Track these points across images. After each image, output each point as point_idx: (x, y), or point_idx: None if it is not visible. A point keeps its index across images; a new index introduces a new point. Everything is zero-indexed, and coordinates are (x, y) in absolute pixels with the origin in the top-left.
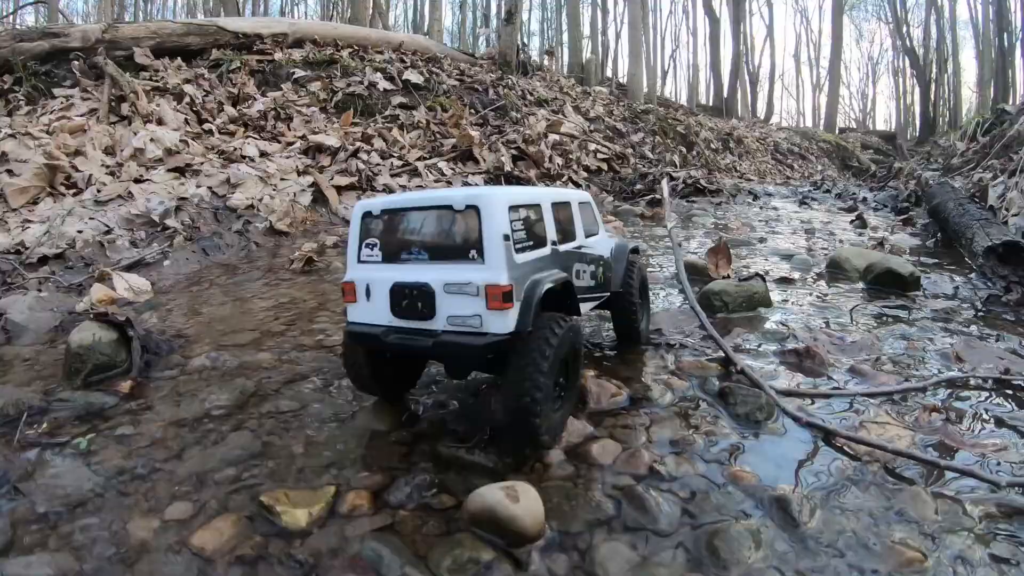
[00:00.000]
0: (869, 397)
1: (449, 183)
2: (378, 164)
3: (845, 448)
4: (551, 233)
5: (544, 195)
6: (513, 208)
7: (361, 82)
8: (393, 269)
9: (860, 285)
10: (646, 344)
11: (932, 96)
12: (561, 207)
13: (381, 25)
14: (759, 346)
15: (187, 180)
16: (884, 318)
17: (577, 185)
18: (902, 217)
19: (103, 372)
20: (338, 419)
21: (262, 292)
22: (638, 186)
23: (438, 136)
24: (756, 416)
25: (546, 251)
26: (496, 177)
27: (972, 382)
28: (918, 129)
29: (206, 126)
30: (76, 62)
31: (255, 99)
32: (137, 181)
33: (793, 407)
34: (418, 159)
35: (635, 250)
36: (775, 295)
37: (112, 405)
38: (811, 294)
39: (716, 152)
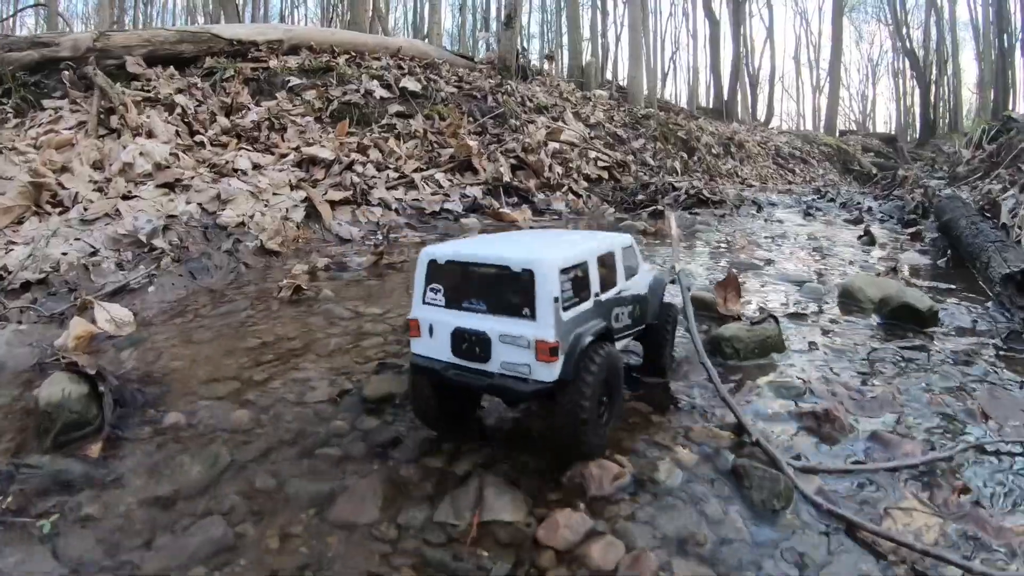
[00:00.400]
0: (893, 471)
1: (447, 195)
2: (374, 176)
3: (869, 542)
4: (594, 286)
5: (591, 251)
6: (564, 271)
7: (357, 90)
8: (455, 314)
9: (875, 319)
10: (669, 370)
11: (932, 98)
12: (605, 258)
13: (380, 30)
14: (774, 406)
15: (177, 196)
16: (903, 363)
17: (577, 196)
18: (910, 231)
19: (74, 431)
20: (316, 504)
21: (247, 325)
22: (639, 196)
23: (436, 146)
24: (773, 504)
25: (589, 304)
26: (495, 188)
27: (1003, 448)
28: (918, 131)
29: (198, 138)
30: (66, 72)
31: (249, 109)
32: (125, 198)
33: (813, 488)
34: (415, 170)
35: (674, 280)
36: (787, 332)
37: (80, 475)
38: (825, 332)
39: (717, 157)
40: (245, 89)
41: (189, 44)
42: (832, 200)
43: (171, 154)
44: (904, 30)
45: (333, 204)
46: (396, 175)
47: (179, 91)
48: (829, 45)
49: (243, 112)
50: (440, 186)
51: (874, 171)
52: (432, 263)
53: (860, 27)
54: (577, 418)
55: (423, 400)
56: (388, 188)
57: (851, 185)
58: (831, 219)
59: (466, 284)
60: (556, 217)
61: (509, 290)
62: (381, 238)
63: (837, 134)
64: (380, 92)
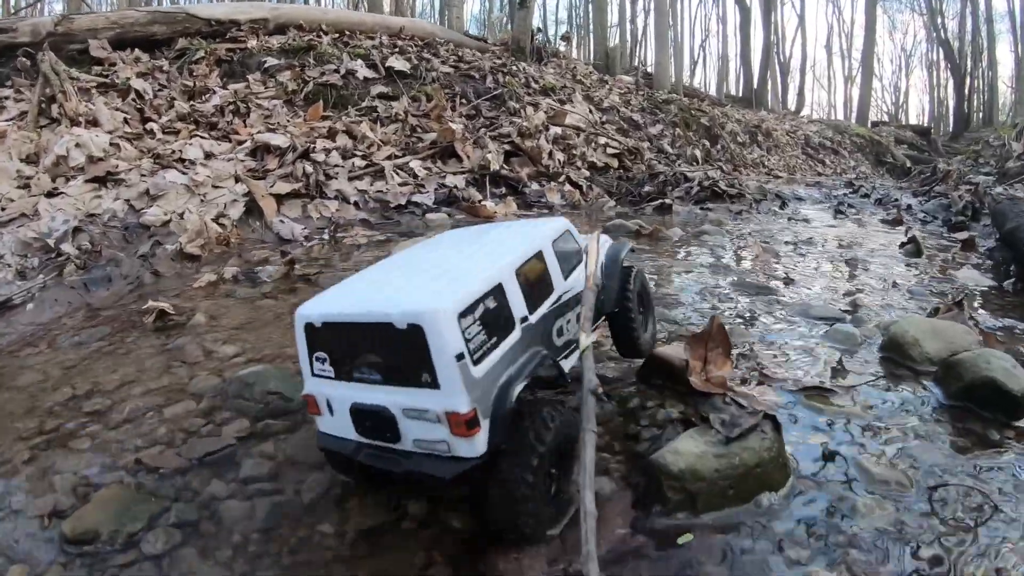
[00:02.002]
0: None
1: (421, 186)
2: (336, 165)
3: None
4: (518, 310)
5: (504, 267)
6: (465, 314)
7: (337, 70)
8: (348, 387)
9: (938, 394)
10: (649, 352)
11: (967, 90)
12: (529, 265)
13: (397, 12)
14: None
15: (107, 192)
16: (992, 515)
17: (576, 186)
18: (959, 237)
19: None
20: None
21: (84, 363)
22: (646, 188)
23: (418, 130)
24: None
25: (515, 336)
26: (481, 177)
27: None
28: (951, 124)
29: (150, 125)
30: (21, 59)
31: (214, 92)
32: (51, 195)
33: None
34: (387, 157)
35: (631, 250)
36: (797, 432)
37: None
38: (859, 427)
39: (743, 146)
40: (215, 71)
41: (161, 25)
42: (866, 196)
43: (112, 144)
44: (939, 20)
45: (280, 198)
46: (363, 163)
47: (142, 75)
48: (862, 34)
49: (207, 96)
50: (415, 176)
51: (908, 164)
52: (309, 327)
53: (894, 16)
54: (513, 496)
55: (342, 469)
56: (351, 178)
57: (884, 178)
58: (865, 218)
59: (352, 350)
60: (547, 211)
61: (399, 352)
62: (328, 237)
63: (869, 125)
64: (364, 72)
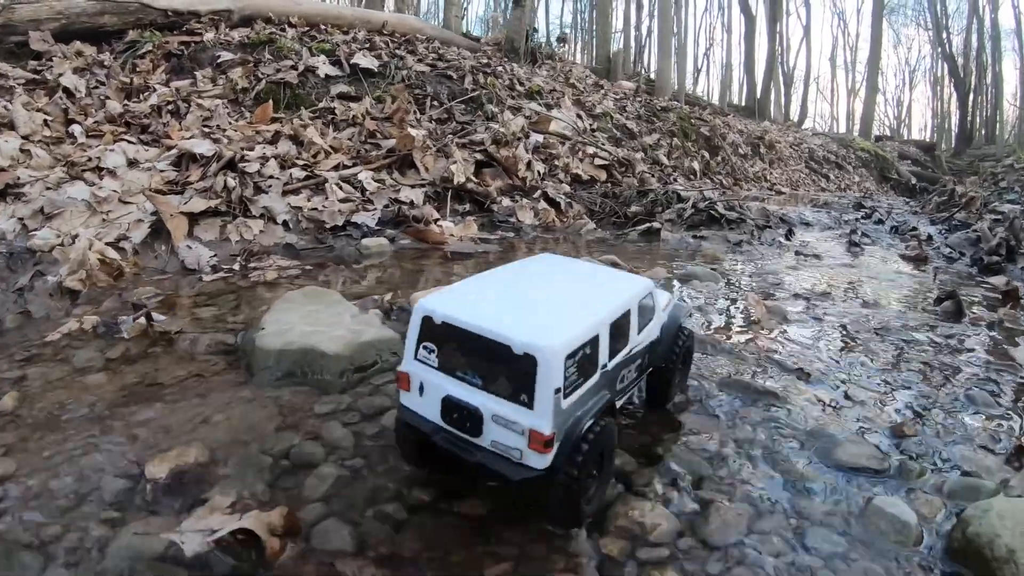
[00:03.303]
0: None
1: (369, 202)
2: (272, 177)
3: None
4: (603, 357)
5: (606, 318)
6: (570, 356)
7: (294, 67)
8: (447, 380)
9: None
10: (670, 401)
11: (970, 107)
12: (621, 321)
13: (397, 9)
14: None
15: (3, 207)
16: None
17: (554, 203)
18: (998, 284)
19: None
20: None
21: None
22: (633, 208)
23: (377, 136)
24: None
25: (595, 379)
26: (444, 191)
27: None
28: (954, 140)
29: (73, 128)
30: None
31: (154, 90)
32: None
33: None
34: (334, 168)
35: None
36: None
37: None
38: None
39: (744, 158)
40: (162, 66)
41: (112, 16)
42: (880, 221)
43: (23, 150)
44: (944, 35)
45: (195, 217)
46: (303, 175)
47: (78, 71)
48: (866, 47)
49: (147, 94)
50: (363, 189)
51: (913, 181)
52: (427, 320)
53: (899, 31)
54: (564, 500)
55: (409, 450)
56: (287, 192)
57: (890, 195)
58: (883, 252)
59: (462, 351)
60: (513, 233)
61: (508, 371)
62: (238, 268)
63: (872, 139)
64: (326, 70)
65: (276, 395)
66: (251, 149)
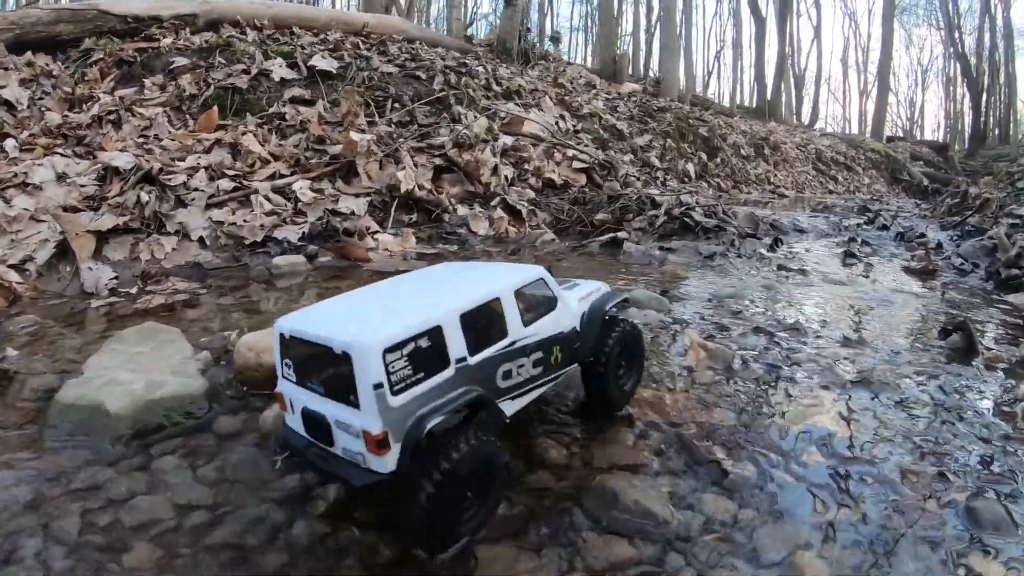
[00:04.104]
0: None
1: (302, 213)
2: (197, 190)
3: None
4: (456, 350)
5: (449, 311)
6: (392, 348)
7: (247, 71)
8: (303, 393)
9: None
10: (621, 407)
11: (983, 107)
12: (480, 311)
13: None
14: None
15: None
16: None
17: (514, 212)
18: (1019, 303)
19: None
20: None
21: None
22: (600, 215)
23: (326, 141)
24: None
25: (447, 373)
26: (392, 200)
27: None
28: (967, 141)
29: (8, 142)
30: None
31: (98, 100)
32: None
33: None
34: (270, 177)
35: (623, 302)
36: None
37: None
38: None
39: (746, 160)
40: (112, 74)
41: (68, 24)
42: (885, 227)
43: None
44: (956, 35)
45: (103, 235)
46: (231, 186)
47: (26, 82)
48: (878, 48)
49: (90, 104)
50: (297, 200)
51: (925, 182)
52: (282, 337)
53: (910, 31)
54: (414, 518)
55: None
56: (211, 206)
57: (900, 197)
58: (884, 265)
59: (307, 363)
60: (459, 246)
61: (335, 372)
62: (135, 291)
63: (884, 140)
64: (282, 73)
65: (54, 460)
66: (182, 160)
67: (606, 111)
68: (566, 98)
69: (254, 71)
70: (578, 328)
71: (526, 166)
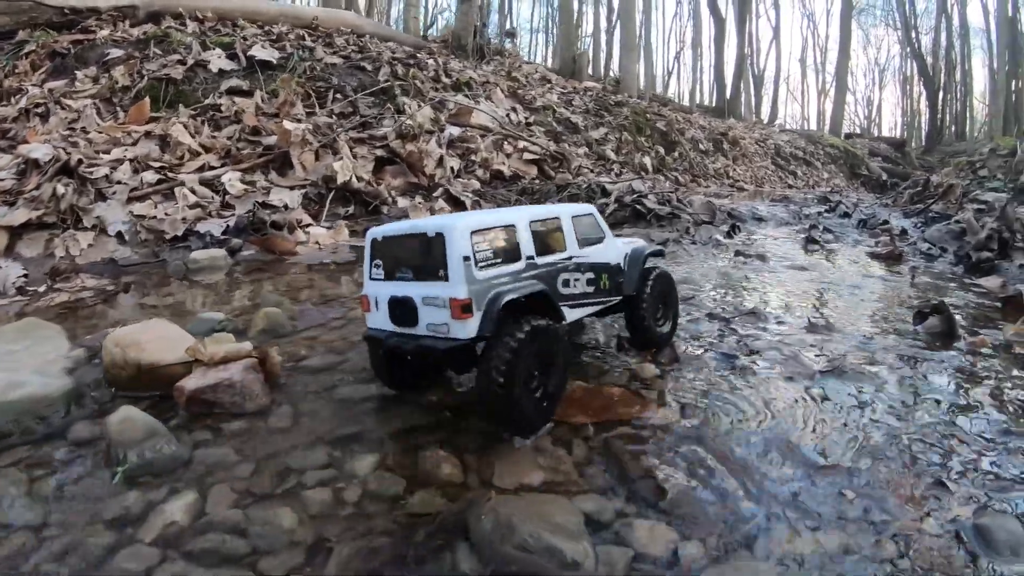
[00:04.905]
0: None
1: (230, 206)
2: (120, 183)
3: None
4: (526, 249)
5: (520, 215)
6: (477, 232)
7: (182, 62)
8: (391, 285)
9: None
10: (663, 345)
11: (940, 104)
12: (544, 223)
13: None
14: None
15: None
16: None
17: (458, 203)
18: (992, 286)
19: None
20: None
21: None
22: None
23: (262, 132)
24: None
25: (518, 265)
26: (327, 192)
27: None
28: (924, 137)
29: None
30: None
31: (27, 92)
32: None
33: None
34: (198, 169)
35: (657, 253)
36: None
37: None
38: None
39: (705, 154)
40: (44, 67)
41: (3, 16)
42: (847, 215)
43: None
44: (913, 34)
45: (18, 230)
46: (155, 179)
47: None
48: (836, 48)
49: (18, 97)
50: (226, 193)
51: (884, 177)
52: (374, 241)
53: (868, 31)
54: (494, 382)
55: (379, 365)
56: (132, 199)
57: (860, 191)
58: (848, 251)
59: (398, 256)
60: None
61: (427, 255)
62: (44, 288)
63: (843, 137)
64: (220, 63)
65: None
66: (108, 152)
67: (560, 104)
68: (519, 91)
69: (190, 62)
70: (622, 266)
71: (473, 157)
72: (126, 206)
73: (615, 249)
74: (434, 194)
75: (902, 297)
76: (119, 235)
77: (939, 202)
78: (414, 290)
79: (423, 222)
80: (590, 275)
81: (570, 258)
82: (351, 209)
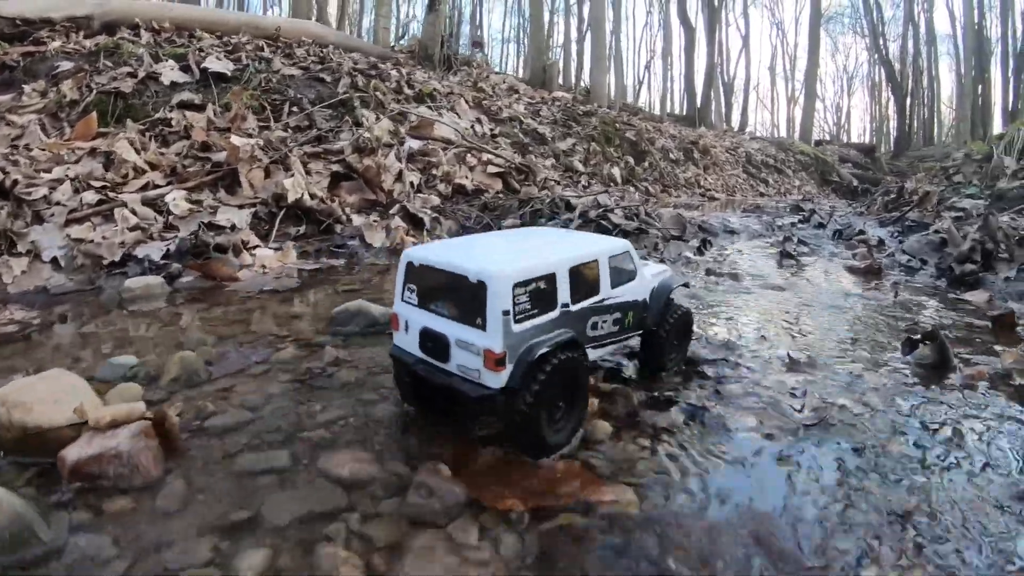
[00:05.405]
0: None
1: (172, 227)
2: (59, 204)
3: None
4: (563, 296)
5: (562, 261)
6: (520, 284)
7: (132, 74)
8: (424, 314)
9: None
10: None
11: (908, 110)
12: (583, 268)
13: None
14: None
15: None
16: None
17: (415, 221)
18: (984, 304)
19: None
20: None
21: None
22: (508, 221)
23: (213, 148)
24: None
25: (554, 314)
26: (279, 211)
27: None
28: (893, 143)
29: None
30: None
31: None
32: None
33: None
34: (142, 188)
35: (684, 285)
36: None
37: None
38: None
39: (675, 164)
40: None
41: None
42: (821, 225)
43: None
44: (881, 42)
45: None
46: (95, 199)
47: None
48: (805, 56)
49: None
50: (170, 213)
51: (855, 183)
52: (410, 264)
53: (836, 39)
54: (519, 423)
55: (403, 385)
56: (71, 222)
57: (832, 198)
58: (825, 264)
59: (434, 287)
60: (340, 262)
61: (465, 298)
62: None
63: (813, 144)
64: (172, 76)
65: None
66: (49, 171)
67: (528, 115)
68: (484, 102)
69: (141, 74)
70: (647, 301)
71: (435, 171)
72: (63, 229)
73: (643, 284)
74: (391, 211)
75: (886, 318)
76: (54, 261)
77: (915, 210)
78: (449, 329)
79: (466, 262)
80: (617, 315)
81: (602, 300)
82: (303, 228)
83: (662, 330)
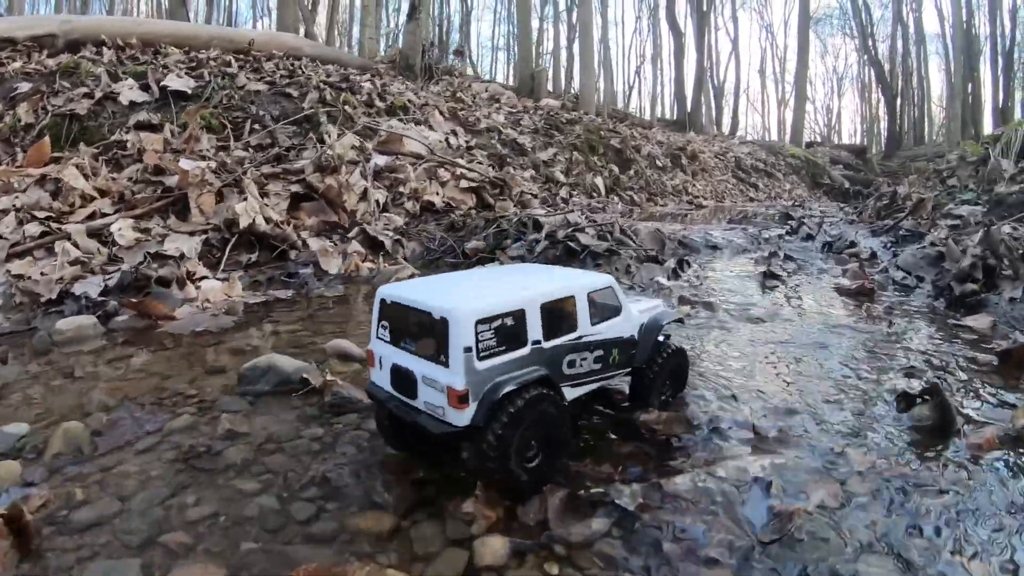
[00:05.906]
0: None
1: (116, 259)
2: (2, 237)
3: None
4: (534, 333)
5: (533, 297)
6: (483, 320)
7: (89, 95)
8: (395, 351)
9: None
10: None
11: (898, 110)
12: (558, 304)
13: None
14: None
15: None
16: None
17: (375, 245)
18: (989, 329)
19: None
20: None
21: None
22: (472, 243)
23: (165, 172)
24: None
25: (523, 352)
26: (231, 237)
27: None
28: (883, 144)
29: None
30: None
31: None
32: None
33: None
34: (88, 217)
35: (677, 321)
36: None
37: None
38: None
39: (662, 171)
40: None
41: None
42: (810, 236)
43: None
44: (870, 42)
45: None
46: (38, 231)
47: None
48: (795, 58)
49: None
50: (115, 243)
51: (846, 185)
52: (383, 301)
53: (826, 40)
54: (485, 461)
55: (383, 426)
56: (12, 256)
57: (823, 201)
58: (813, 282)
59: (403, 325)
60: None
61: (430, 335)
62: None
63: (804, 146)
64: (131, 95)
65: None
66: None
67: (507, 125)
68: (461, 112)
69: (99, 95)
70: (636, 337)
71: (402, 188)
72: (4, 264)
73: (630, 320)
74: (350, 235)
75: (879, 356)
76: None
77: (909, 217)
78: (416, 365)
79: (430, 299)
80: (599, 352)
81: (580, 338)
82: (255, 255)
83: (651, 370)
